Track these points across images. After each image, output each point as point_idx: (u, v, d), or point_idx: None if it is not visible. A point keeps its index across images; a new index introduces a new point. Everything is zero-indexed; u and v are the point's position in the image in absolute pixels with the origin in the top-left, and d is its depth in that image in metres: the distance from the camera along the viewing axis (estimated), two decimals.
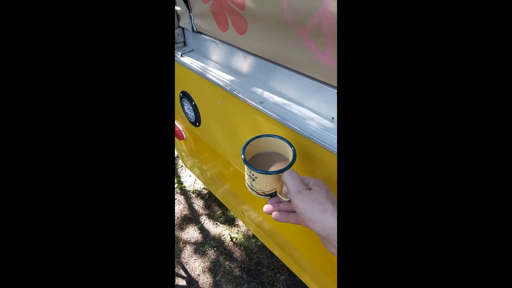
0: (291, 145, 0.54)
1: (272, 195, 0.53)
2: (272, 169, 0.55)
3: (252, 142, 0.56)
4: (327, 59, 0.50)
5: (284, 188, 0.48)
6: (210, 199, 1.75)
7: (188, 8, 0.80)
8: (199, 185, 1.83)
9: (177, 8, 0.83)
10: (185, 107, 0.98)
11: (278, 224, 0.91)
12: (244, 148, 0.54)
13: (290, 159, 0.53)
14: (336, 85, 0.53)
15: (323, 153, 0.55)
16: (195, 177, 1.88)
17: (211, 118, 0.88)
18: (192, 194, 1.79)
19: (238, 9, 0.61)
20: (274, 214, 0.49)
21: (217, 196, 1.32)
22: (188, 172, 1.92)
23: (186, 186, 1.83)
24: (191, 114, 0.96)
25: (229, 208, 1.30)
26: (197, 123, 0.96)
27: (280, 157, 0.57)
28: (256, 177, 0.52)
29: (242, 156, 0.52)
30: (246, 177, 0.55)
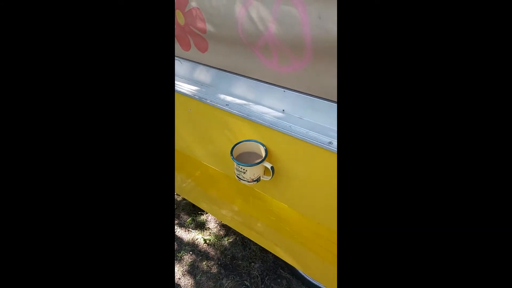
0: (262, 144, 0.76)
1: (258, 180, 0.75)
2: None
3: (236, 146, 0.77)
4: (274, 66, 0.69)
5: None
6: (177, 209, 1.83)
7: None
8: None
9: None
10: None
11: (251, 211, 1.06)
12: (231, 151, 0.75)
13: (262, 154, 0.76)
14: (281, 85, 0.72)
15: (278, 135, 0.73)
16: None
17: (181, 125, 1.01)
18: None
19: (200, 32, 0.78)
20: None
21: (189, 197, 1.42)
22: None
23: None
24: None
25: (198, 205, 1.40)
26: None
27: (254, 154, 0.79)
28: (246, 170, 0.73)
29: (232, 157, 0.74)
30: (236, 172, 0.76)
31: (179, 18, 0.80)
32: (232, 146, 0.77)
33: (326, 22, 0.53)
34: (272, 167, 0.75)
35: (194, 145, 1.01)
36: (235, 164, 0.75)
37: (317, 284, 1.32)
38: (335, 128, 0.66)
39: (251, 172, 0.74)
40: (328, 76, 0.60)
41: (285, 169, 0.77)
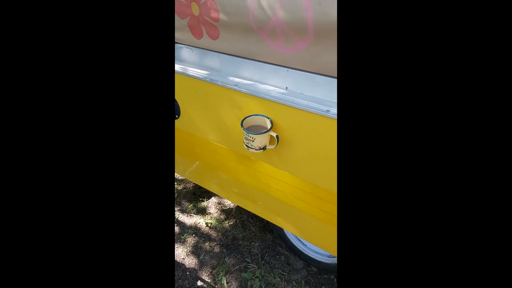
0: (268, 117, 0.88)
1: (264, 148, 0.86)
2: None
3: (245, 119, 0.88)
4: (279, 48, 0.81)
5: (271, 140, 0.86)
6: (179, 197, 1.92)
7: None
8: None
9: None
10: None
11: (255, 184, 1.18)
12: (242, 123, 0.87)
13: (268, 126, 0.87)
14: (285, 65, 0.84)
15: (282, 108, 0.85)
16: None
17: (191, 108, 1.12)
18: None
19: (213, 22, 0.89)
20: None
21: (195, 179, 1.52)
22: None
23: None
24: None
25: (204, 186, 1.49)
26: (176, 115, 1.18)
27: (261, 127, 0.91)
28: (254, 139, 0.84)
29: (242, 127, 0.85)
30: (245, 141, 0.88)
31: (194, 9, 0.91)
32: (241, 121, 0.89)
33: (325, 8, 0.66)
34: (277, 136, 0.87)
35: (204, 125, 1.12)
36: (244, 133, 0.86)
37: (314, 257, 1.45)
38: (332, 99, 0.78)
39: (259, 141, 0.86)
40: (326, 54, 0.73)
41: (288, 139, 0.89)
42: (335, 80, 0.76)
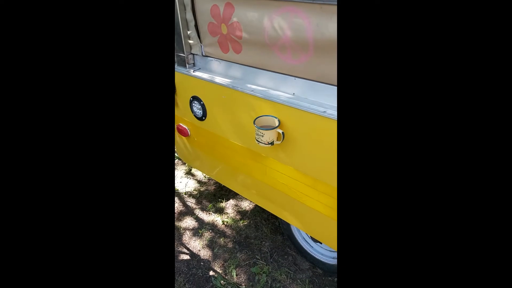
0: (276, 117, 1.04)
1: (272, 143, 1.02)
2: None
3: (257, 118, 1.06)
4: (288, 60, 0.99)
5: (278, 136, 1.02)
6: (200, 197, 2.10)
7: (199, 40, 1.28)
8: (190, 188, 2.18)
9: (190, 41, 1.31)
10: (194, 107, 1.41)
11: (264, 179, 1.33)
12: (254, 121, 1.04)
13: (276, 124, 1.04)
14: (292, 74, 1.02)
15: (289, 109, 1.02)
16: (186, 181, 2.22)
17: (216, 110, 1.32)
18: (184, 195, 2.13)
19: (237, 39, 1.10)
20: None
21: (213, 175, 1.69)
22: (179, 178, 2.26)
23: (179, 189, 2.16)
24: (199, 112, 1.39)
25: (223, 182, 1.67)
26: (204, 117, 1.39)
27: (270, 127, 1.07)
28: (264, 134, 1.01)
29: (255, 125, 1.02)
30: (256, 137, 1.04)
31: (223, 29, 1.13)
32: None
33: (321, 28, 0.83)
34: (282, 132, 1.03)
35: (225, 126, 1.31)
36: (256, 130, 1.03)
37: (319, 258, 1.53)
38: (328, 102, 0.94)
39: (267, 136, 1.02)
40: (324, 65, 0.90)
41: (292, 135, 1.05)
42: (331, 87, 0.92)
